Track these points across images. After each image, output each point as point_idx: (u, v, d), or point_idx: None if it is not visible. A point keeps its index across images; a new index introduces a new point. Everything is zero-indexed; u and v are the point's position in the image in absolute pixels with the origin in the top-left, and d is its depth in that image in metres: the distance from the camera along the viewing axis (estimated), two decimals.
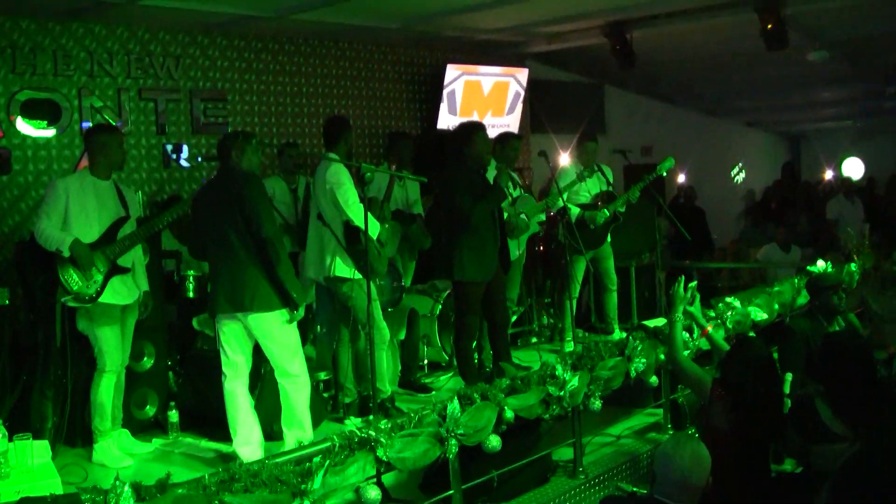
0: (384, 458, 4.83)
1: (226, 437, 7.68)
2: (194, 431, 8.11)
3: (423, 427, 5.13)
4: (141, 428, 8.10)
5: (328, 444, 4.71)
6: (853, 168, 22.59)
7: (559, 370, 6.15)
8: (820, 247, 14.06)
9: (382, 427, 4.89)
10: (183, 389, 8.51)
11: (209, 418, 8.14)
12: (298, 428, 7.04)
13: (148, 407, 8.29)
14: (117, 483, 3.86)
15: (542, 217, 10.41)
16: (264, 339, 7.03)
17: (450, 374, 9.69)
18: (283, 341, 7.06)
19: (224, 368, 7.19)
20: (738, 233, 19.34)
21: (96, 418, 7.39)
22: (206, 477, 4.19)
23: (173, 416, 8.01)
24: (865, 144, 23.56)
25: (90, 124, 9.87)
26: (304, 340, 9.72)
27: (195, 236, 7.43)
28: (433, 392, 9.10)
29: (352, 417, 8.14)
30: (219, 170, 7.47)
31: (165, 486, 4.04)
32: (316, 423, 7.64)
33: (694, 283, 6.83)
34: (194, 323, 9.38)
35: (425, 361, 9.85)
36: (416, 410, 5.30)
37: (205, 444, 7.80)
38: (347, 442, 4.75)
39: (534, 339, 11.27)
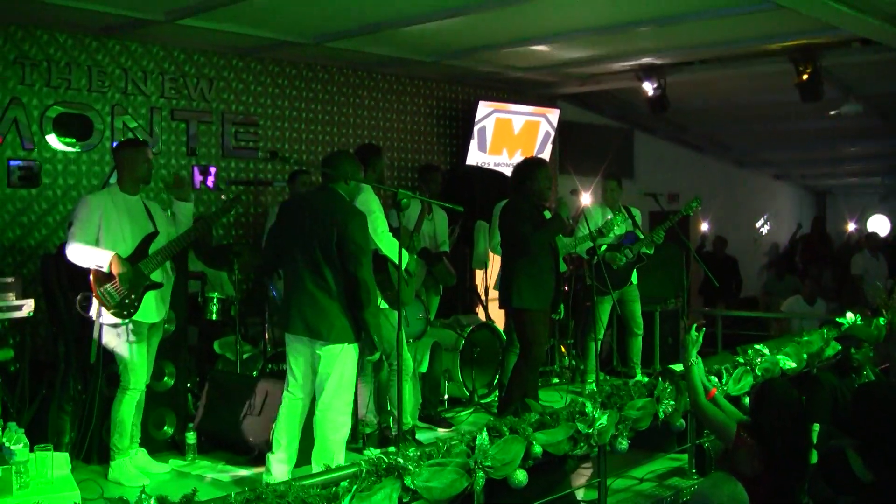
0: (411, 487, 4.74)
1: (243, 461, 7.67)
2: (212, 454, 8.03)
3: (451, 457, 5.04)
4: (157, 448, 8.01)
5: (355, 469, 4.62)
6: (879, 225, 22.50)
7: (589, 407, 6.07)
8: (845, 301, 13.97)
9: (411, 455, 4.81)
10: (202, 412, 8.42)
11: (227, 442, 8.11)
12: (328, 463, 6.78)
13: (166, 427, 8.22)
14: (143, 496, 3.79)
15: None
16: (326, 368, 6.77)
17: (470, 410, 9.62)
18: (342, 377, 6.81)
19: (289, 383, 7.06)
20: (762, 285, 19.25)
21: (115, 436, 7.32)
22: (233, 495, 4.11)
23: (191, 437, 7.93)
24: (892, 202, 23.49)
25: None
26: None
27: (273, 244, 7.29)
28: (453, 427, 9.01)
29: (371, 448, 8.02)
30: (321, 188, 7.18)
31: (191, 502, 3.96)
32: None
33: (702, 331, 6.77)
34: (215, 346, 9.36)
35: (445, 396, 9.76)
36: (445, 440, 5.20)
37: (222, 467, 7.73)
38: (375, 468, 4.66)
39: (555, 380, 11.18)
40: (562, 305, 9.59)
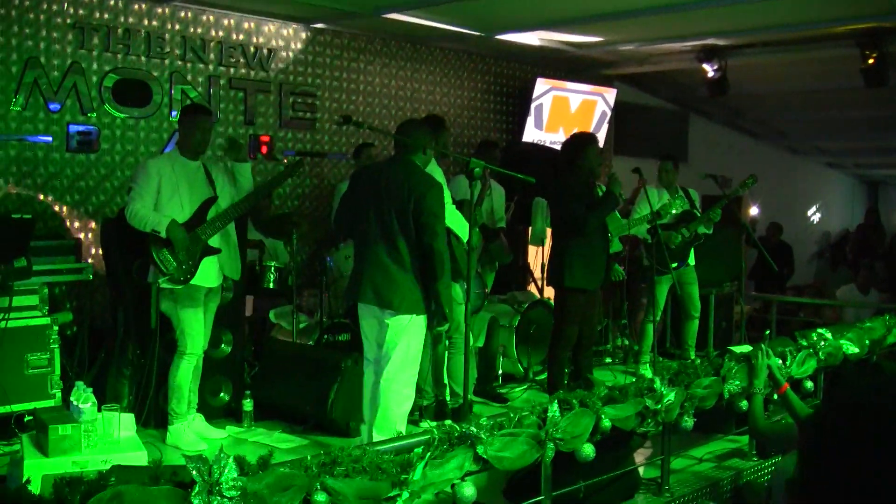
0: (483, 456, 4.69)
1: (299, 430, 7.68)
2: (268, 422, 8.04)
3: (522, 427, 4.98)
4: (213, 415, 8.00)
5: (428, 436, 4.57)
6: None
7: (657, 383, 6.00)
8: None
9: (484, 424, 4.75)
10: (258, 380, 8.40)
11: (282, 410, 8.09)
12: (388, 435, 6.62)
13: (222, 394, 8.21)
14: (222, 455, 3.74)
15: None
16: (394, 339, 6.70)
17: (524, 387, 9.57)
18: (409, 348, 6.74)
19: (365, 354, 7.07)
20: (813, 274, 19.11)
21: (173, 401, 7.33)
22: (309, 458, 4.06)
23: (248, 405, 7.92)
24: None
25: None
26: None
27: (346, 213, 7.15)
28: (508, 403, 8.96)
29: (427, 420, 8.02)
30: (395, 159, 7.05)
31: (268, 464, 3.92)
32: None
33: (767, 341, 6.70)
34: (271, 315, 9.35)
35: (500, 372, 9.70)
36: (516, 410, 5.15)
37: (278, 434, 7.71)
38: (448, 436, 4.61)
39: (607, 360, 11.12)
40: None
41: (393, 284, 6.64)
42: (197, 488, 3.63)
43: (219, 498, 3.65)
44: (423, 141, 6.95)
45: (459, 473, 4.61)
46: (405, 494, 4.30)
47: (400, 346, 6.69)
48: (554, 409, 5.17)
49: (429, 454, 4.45)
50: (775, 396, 6.60)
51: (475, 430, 4.68)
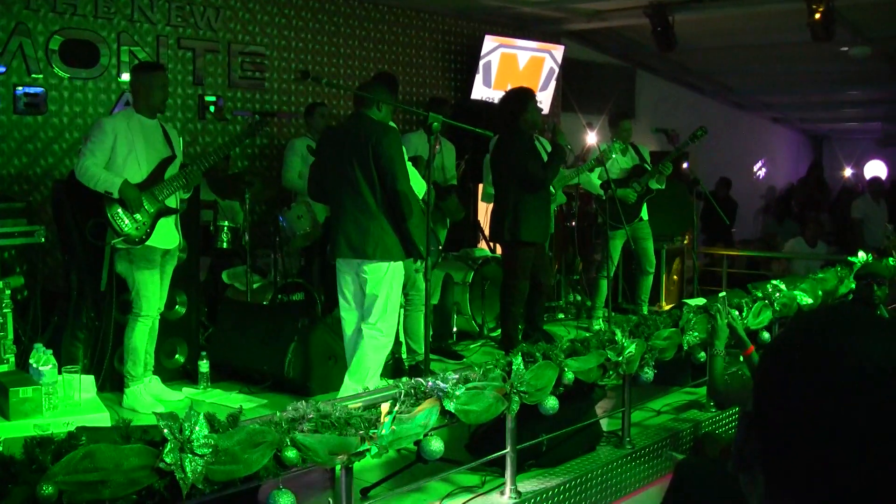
0: (450, 410, 4.70)
1: (256, 390, 7.68)
2: (224, 383, 8.00)
3: (487, 381, 4.99)
4: (169, 377, 7.96)
5: (395, 391, 4.58)
6: (876, 170, 22.45)
7: (619, 335, 6.03)
8: (846, 245, 13.97)
9: (450, 378, 4.76)
10: (214, 341, 8.37)
11: (239, 371, 8.06)
12: (359, 382, 6.79)
13: (177, 356, 8.18)
14: (192, 412, 3.73)
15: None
16: (373, 288, 6.90)
17: (479, 343, 9.59)
18: (386, 294, 6.91)
19: (342, 313, 7.20)
20: (760, 228, 19.26)
21: (128, 363, 7.27)
22: (278, 414, 4.06)
23: (204, 366, 7.87)
24: (890, 148, 23.46)
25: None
26: (335, 302, 9.66)
27: (316, 177, 7.32)
28: (464, 360, 8.97)
29: (384, 378, 8.03)
30: (353, 115, 7.27)
31: (237, 421, 3.91)
32: None
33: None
34: (224, 276, 9.30)
35: (454, 329, 9.72)
36: (480, 364, 5.16)
37: (235, 395, 7.68)
38: (414, 391, 4.62)
39: (560, 315, 11.17)
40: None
41: (365, 234, 6.81)
42: (169, 446, 3.61)
43: (190, 455, 3.64)
44: (378, 96, 7.03)
45: (427, 427, 4.63)
46: (374, 449, 4.31)
47: (380, 296, 6.88)
48: (518, 361, 5.19)
49: (396, 409, 4.45)
50: (741, 358, 6.64)
51: (441, 384, 4.69)
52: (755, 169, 21.83)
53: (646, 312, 10.23)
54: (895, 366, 1.34)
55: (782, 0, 11.80)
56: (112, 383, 7.62)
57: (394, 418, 4.41)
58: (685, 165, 18.23)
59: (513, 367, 5.14)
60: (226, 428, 3.83)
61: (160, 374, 7.75)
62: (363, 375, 6.76)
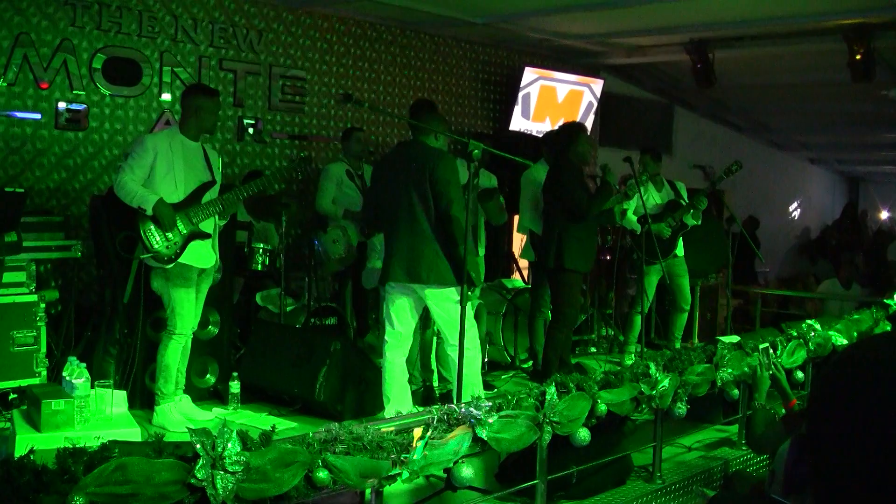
0: (482, 437, 4.68)
1: (286, 412, 7.66)
2: (254, 405, 7.99)
3: (520, 409, 4.97)
4: (199, 396, 7.98)
5: (428, 416, 4.56)
6: None
7: (653, 369, 6.00)
8: (880, 287, 13.88)
9: (483, 405, 4.74)
10: (245, 362, 8.37)
11: (269, 392, 8.05)
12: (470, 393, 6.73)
13: (208, 376, 8.20)
14: (225, 430, 3.72)
15: None
16: (436, 309, 7.11)
17: (510, 374, 9.56)
18: (453, 312, 6.91)
19: (387, 336, 7.30)
20: (794, 268, 19.18)
21: (160, 380, 7.28)
22: (311, 435, 4.05)
23: (235, 386, 7.86)
24: None
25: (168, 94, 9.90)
26: (368, 328, 9.66)
27: (370, 203, 7.53)
28: (494, 390, 8.94)
29: (415, 406, 8.01)
30: (408, 142, 7.42)
31: (270, 439, 3.90)
32: (379, 409, 7.54)
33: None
34: (257, 298, 9.31)
35: (486, 360, 9.67)
36: (513, 393, 5.14)
37: (265, 416, 7.66)
38: (447, 417, 4.60)
39: (592, 349, 11.13)
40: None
41: (419, 259, 6.97)
42: (201, 462, 3.61)
43: (222, 472, 3.63)
44: (435, 127, 7.23)
45: (459, 454, 4.61)
46: (405, 473, 4.29)
47: (447, 314, 7.04)
48: (552, 391, 5.16)
49: (428, 434, 4.44)
50: (782, 411, 6.55)
51: (475, 411, 4.67)
52: (790, 209, 21.73)
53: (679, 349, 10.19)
54: None
55: (823, 40, 11.72)
56: (142, 400, 7.63)
57: (426, 443, 4.39)
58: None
59: (546, 396, 5.12)
60: (258, 446, 3.82)
61: (191, 392, 7.76)
62: (472, 390, 6.72)
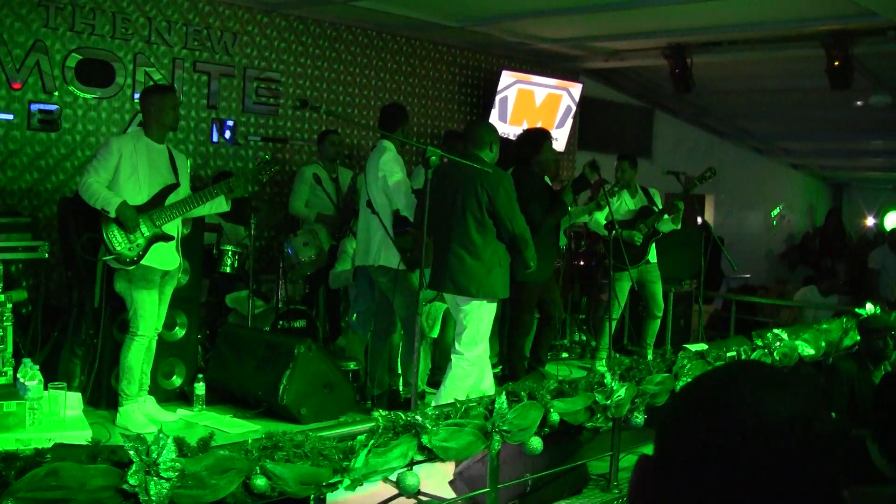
0: (428, 445, 4.69)
1: (251, 414, 7.69)
2: (219, 406, 7.99)
3: (469, 418, 4.98)
4: (165, 398, 7.99)
5: (373, 424, 4.58)
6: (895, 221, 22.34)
7: (608, 378, 6.01)
8: (861, 294, 13.90)
9: (429, 414, 4.75)
10: (211, 364, 8.38)
11: (235, 395, 8.07)
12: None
13: (175, 377, 8.19)
14: (161, 435, 3.73)
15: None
16: (466, 319, 7.35)
17: None
18: (477, 327, 7.34)
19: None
20: (767, 274, 19.20)
21: (123, 381, 7.28)
22: (250, 441, 4.06)
23: (200, 388, 7.87)
24: None
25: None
26: (338, 331, 9.66)
27: (422, 211, 7.49)
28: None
29: (379, 410, 7.99)
30: (464, 155, 7.45)
31: (208, 445, 3.91)
32: (343, 413, 7.60)
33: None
34: (227, 300, 9.32)
35: None
36: (463, 401, 5.15)
37: (229, 419, 7.66)
38: (392, 425, 4.61)
39: (564, 354, 11.13)
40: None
41: (469, 272, 7.23)
42: (134, 467, 3.63)
43: (156, 478, 3.64)
44: (488, 137, 7.55)
45: (403, 462, 4.63)
46: (346, 481, 4.30)
47: (470, 327, 7.33)
48: (501, 400, 5.17)
49: (372, 441, 4.45)
50: None
51: (420, 419, 4.69)
52: (773, 216, 21.73)
53: (650, 357, 10.20)
54: (782, 421, 1.46)
55: (801, 46, 11.74)
56: (108, 401, 7.65)
57: (369, 451, 4.40)
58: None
59: (495, 405, 5.13)
60: (195, 452, 3.83)
61: (157, 394, 7.77)
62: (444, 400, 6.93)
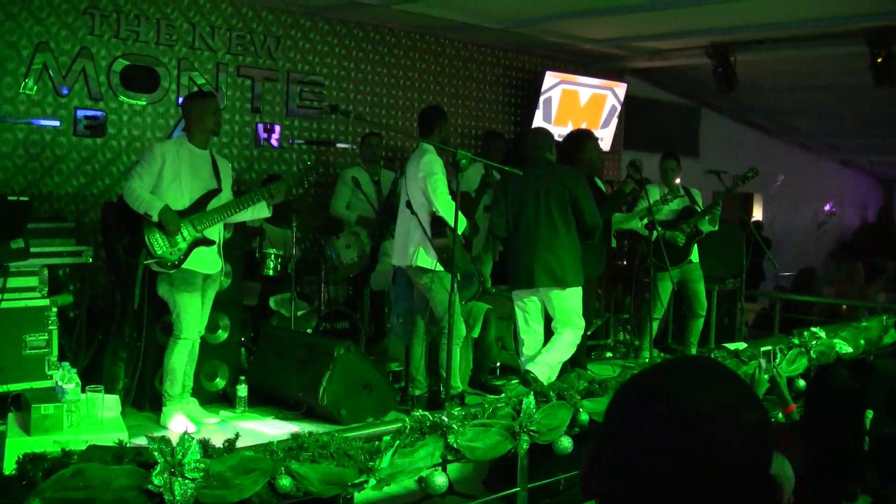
0: (454, 446, 4.75)
1: (291, 416, 7.76)
2: (261, 408, 8.08)
3: (496, 419, 5.03)
4: (208, 399, 8.11)
5: (399, 424, 4.64)
6: None
7: None
8: None
9: (456, 413, 4.81)
10: (253, 366, 8.48)
11: (277, 396, 8.16)
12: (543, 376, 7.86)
13: (218, 379, 8.30)
14: (185, 436, 3.82)
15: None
16: (560, 307, 8.16)
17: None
18: (575, 309, 8.21)
19: (522, 335, 8.41)
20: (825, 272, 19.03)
21: (167, 383, 7.40)
22: (275, 442, 4.14)
23: (242, 390, 7.98)
24: None
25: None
26: (383, 332, 9.73)
27: (501, 215, 8.29)
28: (502, 395, 8.97)
29: (420, 410, 8.06)
30: (536, 159, 8.26)
31: (233, 447, 3.99)
32: (383, 413, 7.67)
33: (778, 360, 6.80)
34: (271, 302, 9.41)
35: (498, 364, 9.74)
36: (491, 402, 5.20)
37: (271, 420, 7.78)
38: (419, 425, 4.67)
39: (608, 354, 11.14)
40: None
41: (564, 264, 8.02)
42: (158, 468, 3.70)
43: (180, 479, 3.72)
44: (546, 141, 8.41)
45: (430, 462, 4.68)
46: (372, 481, 4.36)
47: (573, 307, 8.18)
48: (529, 400, 5.21)
49: (398, 442, 4.51)
50: (780, 416, 6.57)
51: (447, 419, 4.74)
52: (822, 212, 21.58)
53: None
54: (713, 409, 1.59)
55: (845, 42, 11.67)
56: (151, 402, 7.78)
57: (394, 451, 4.46)
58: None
59: (522, 405, 5.17)
60: (220, 453, 3.91)
61: (200, 396, 7.88)
62: (549, 370, 7.91)
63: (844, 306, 13.81)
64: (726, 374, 1.69)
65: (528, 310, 8.28)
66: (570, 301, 8.11)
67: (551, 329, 8.39)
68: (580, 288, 8.17)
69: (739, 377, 1.70)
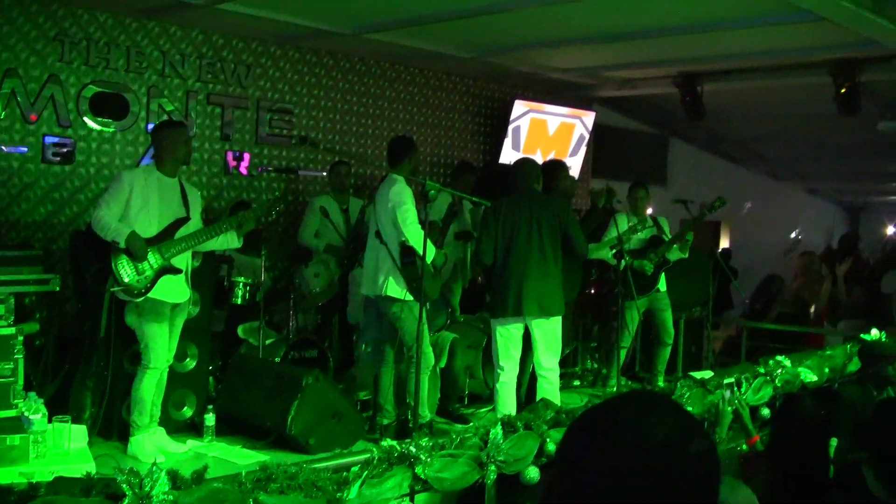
0: (422, 476, 4.74)
1: (260, 445, 7.73)
2: (229, 437, 8.06)
3: (463, 449, 5.04)
4: (176, 428, 8.05)
5: (367, 455, 4.64)
6: None
7: None
8: (873, 319, 13.82)
9: (423, 444, 4.81)
10: (222, 394, 8.47)
11: (245, 425, 8.13)
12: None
13: (186, 408, 8.26)
14: (154, 468, 3.81)
15: None
16: (544, 336, 8.19)
17: (489, 408, 9.58)
18: (558, 340, 8.28)
19: (502, 362, 8.28)
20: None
21: (135, 413, 7.37)
22: (243, 474, 4.13)
23: (210, 419, 7.95)
24: None
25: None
26: (352, 361, 9.73)
27: (491, 242, 8.23)
28: (471, 424, 8.99)
29: (388, 440, 8.05)
30: (525, 190, 8.35)
31: (202, 478, 3.98)
32: (352, 442, 7.68)
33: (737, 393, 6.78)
34: (239, 331, 9.40)
35: (466, 392, 9.75)
36: (458, 432, 5.21)
37: (239, 449, 7.74)
38: (387, 455, 4.67)
39: (576, 382, 11.16)
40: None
41: (552, 295, 8.13)
42: (126, 500, 3.69)
43: None
44: (535, 172, 8.53)
45: (398, 492, 4.67)
46: None
47: (550, 342, 8.22)
48: (496, 430, 5.22)
49: (366, 472, 4.51)
50: (744, 447, 6.59)
51: (414, 449, 4.74)
52: (788, 240, 21.69)
53: (661, 383, 10.22)
54: (659, 441, 1.68)
55: (810, 73, 11.80)
56: (119, 432, 7.73)
57: (363, 482, 4.46)
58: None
59: (490, 436, 5.18)
60: (188, 485, 3.90)
61: (168, 424, 7.85)
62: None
63: (812, 314, 13.92)
64: (673, 407, 1.79)
65: (511, 338, 8.25)
66: (555, 329, 8.20)
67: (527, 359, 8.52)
68: (561, 317, 8.29)
69: (686, 410, 1.80)
